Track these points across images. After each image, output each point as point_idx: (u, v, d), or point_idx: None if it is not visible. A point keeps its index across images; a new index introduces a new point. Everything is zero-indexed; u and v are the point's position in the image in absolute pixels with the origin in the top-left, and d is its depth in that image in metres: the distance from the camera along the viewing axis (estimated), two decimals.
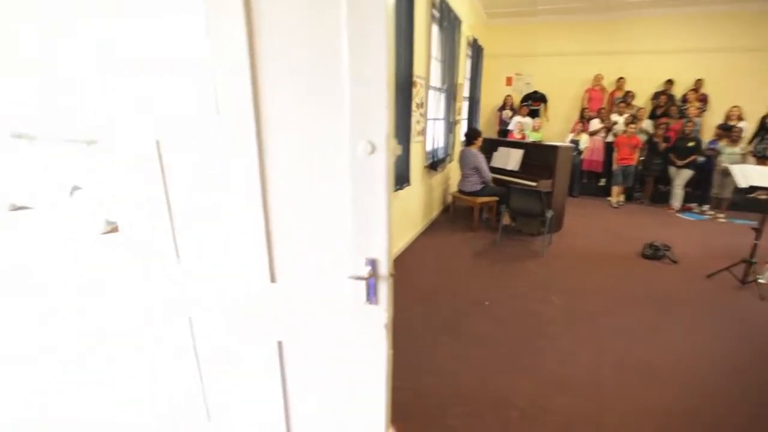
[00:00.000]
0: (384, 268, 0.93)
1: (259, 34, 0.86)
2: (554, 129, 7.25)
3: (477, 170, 4.58)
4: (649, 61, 6.60)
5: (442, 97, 4.99)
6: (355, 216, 0.90)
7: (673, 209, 5.83)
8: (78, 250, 1.53)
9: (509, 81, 7.73)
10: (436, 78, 4.67)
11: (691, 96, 6.22)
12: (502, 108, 7.44)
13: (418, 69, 3.86)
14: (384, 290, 0.95)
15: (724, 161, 5.47)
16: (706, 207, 5.86)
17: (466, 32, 5.81)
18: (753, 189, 3.28)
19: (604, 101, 6.90)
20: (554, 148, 4.56)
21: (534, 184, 4.48)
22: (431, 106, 4.61)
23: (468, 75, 6.55)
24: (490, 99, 7.61)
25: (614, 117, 6.50)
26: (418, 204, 4.55)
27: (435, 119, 4.94)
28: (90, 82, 1.06)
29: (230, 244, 1.07)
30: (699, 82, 6.31)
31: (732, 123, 5.72)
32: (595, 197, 6.64)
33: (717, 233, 4.83)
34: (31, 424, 1.42)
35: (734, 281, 3.32)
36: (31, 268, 1.42)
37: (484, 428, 1.77)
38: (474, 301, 2.96)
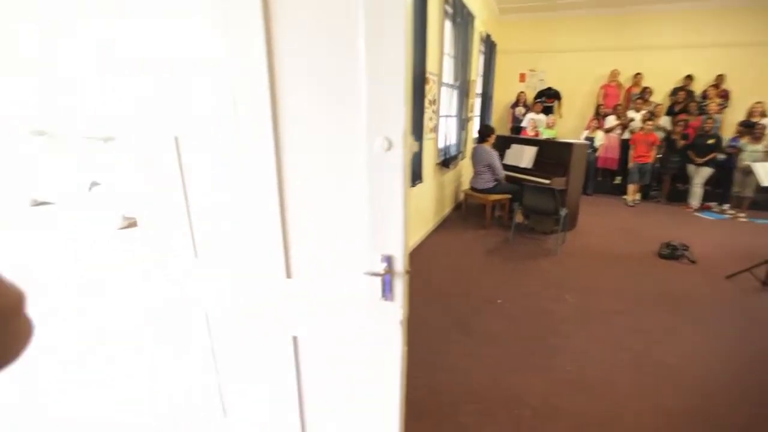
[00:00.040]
0: (400, 265, 0.93)
1: (276, 31, 0.86)
2: (568, 126, 7.14)
3: (490, 167, 4.54)
4: (668, 57, 6.44)
5: (455, 93, 4.96)
6: (372, 212, 0.90)
7: (692, 208, 5.69)
8: (93, 247, 1.57)
9: (522, 77, 7.63)
10: (448, 74, 4.63)
11: (712, 92, 6.05)
12: (515, 105, 7.35)
13: (431, 65, 3.84)
14: (399, 287, 0.95)
15: (745, 159, 5.31)
16: (726, 206, 5.70)
17: (479, 28, 5.75)
18: None
19: (621, 97, 6.76)
20: (569, 145, 4.49)
21: (547, 181, 4.42)
22: (443, 102, 4.58)
23: (481, 71, 6.49)
24: (503, 96, 7.53)
25: (631, 114, 6.37)
26: (430, 201, 4.54)
27: (447, 116, 4.91)
28: (112, 80, 1.08)
29: (246, 240, 1.08)
30: (720, 78, 6.13)
31: (755, 120, 5.55)
32: (610, 195, 6.52)
33: (738, 233, 4.70)
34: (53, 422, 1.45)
35: (755, 283, 3.23)
36: (40, 267, 1.46)
37: (496, 426, 1.76)
38: (486, 298, 2.94)
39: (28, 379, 1.40)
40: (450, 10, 4.24)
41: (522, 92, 7.35)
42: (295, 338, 1.14)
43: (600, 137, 6.40)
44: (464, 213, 5.31)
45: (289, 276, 1.07)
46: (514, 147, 5.19)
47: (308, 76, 0.87)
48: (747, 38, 5.95)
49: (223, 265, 1.15)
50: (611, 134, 6.39)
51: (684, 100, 6.17)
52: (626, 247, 4.13)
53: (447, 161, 4.85)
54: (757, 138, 5.40)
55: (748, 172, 5.01)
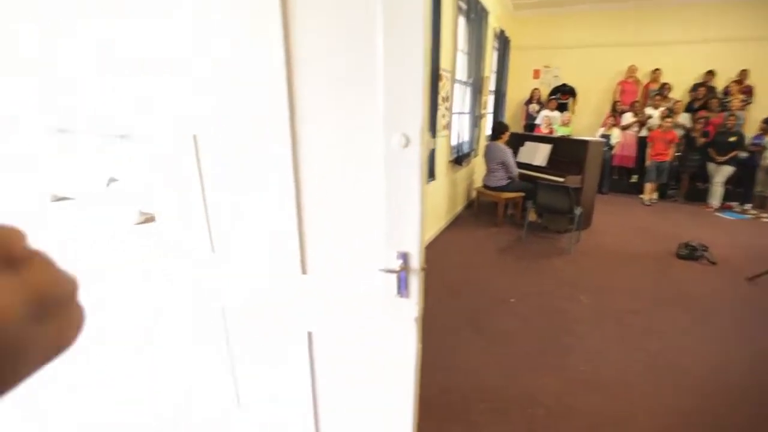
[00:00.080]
0: (416, 262, 0.93)
1: (294, 27, 0.87)
2: (583, 123, 7.01)
3: (504, 165, 4.49)
4: (688, 51, 6.26)
5: (468, 90, 4.91)
6: (388, 209, 0.90)
7: (712, 208, 5.54)
8: (114, 239, 1.60)
9: (537, 74, 7.52)
10: (461, 71, 4.59)
11: (734, 88, 5.87)
12: (529, 102, 7.25)
13: (444, 62, 3.81)
14: (415, 284, 0.95)
15: None
16: (748, 206, 5.53)
17: (493, 24, 5.68)
18: None
19: (638, 94, 6.60)
20: (584, 142, 4.42)
21: (562, 179, 4.36)
22: (456, 99, 4.55)
23: (494, 68, 6.42)
24: (517, 92, 7.43)
25: (649, 110, 6.22)
26: (442, 198, 4.52)
27: (460, 113, 4.87)
28: (134, 79, 1.10)
29: (263, 236, 1.10)
30: (743, 73, 5.94)
31: None
32: (626, 194, 6.39)
33: (760, 234, 4.57)
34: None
35: None
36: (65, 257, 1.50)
37: (508, 425, 1.75)
38: (498, 297, 2.92)
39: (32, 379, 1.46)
40: (464, 6, 4.20)
41: (536, 89, 7.24)
42: (309, 333, 1.15)
43: (616, 135, 6.27)
44: (476, 211, 5.27)
45: (304, 272, 1.07)
46: (528, 144, 5.13)
47: (326, 74, 0.87)
48: None
49: (240, 260, 1.17)
50: (628, 132, 6.25)
51: (704, 96, 6.00)
52: (643, 247, 4.05)
53: (459, 159, 4.82)
54: None
55: None
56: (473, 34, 4.49)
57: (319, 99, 0.90)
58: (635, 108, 6.29)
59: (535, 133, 6.10)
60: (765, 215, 5.26)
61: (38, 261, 0.19)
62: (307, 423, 1.28)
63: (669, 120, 5.70)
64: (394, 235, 0.92)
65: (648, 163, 5.90)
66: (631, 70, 6.60)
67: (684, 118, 6.05)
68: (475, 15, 4.45)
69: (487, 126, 6.09)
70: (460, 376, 2.06)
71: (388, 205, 0.90)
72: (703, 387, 2.01)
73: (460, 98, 4.78)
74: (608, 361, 2.19)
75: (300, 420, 1.29)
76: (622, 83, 6.69)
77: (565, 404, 1.86)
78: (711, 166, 5.54)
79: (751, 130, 5.73)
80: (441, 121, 3.95)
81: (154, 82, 1.07)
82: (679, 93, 6.36)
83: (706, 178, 5.70)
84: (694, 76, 6.29)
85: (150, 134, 1.14)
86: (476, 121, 5.31)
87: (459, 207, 5.31)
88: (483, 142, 5.87)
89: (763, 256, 3.74)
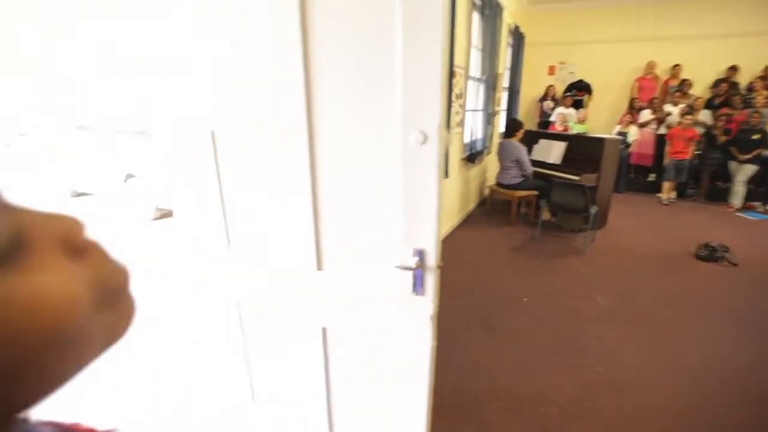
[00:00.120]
0: (432, 259, 0.92)
1: (312, 27, 0.87)
2: (599, 120, 6.88)
3: (518, 163, 4.44)
4: (710, 46, 6.08)
5: (482, 87, 4.86)
6: (405, 206, 0.90)
7: (733, 207, 5.38)
8: (132, 235, 1.63)
9: (552, 70, 7.40)
10: (475, 68, 4.55)
11: (759, 84, 5.68)
12: (543, 99, 7.14)
13: (458, 58, 3.78)
14: (431, 281, 0.95)
15: None
16: None
17: (508, 19, 5.61)
18: None
19: (657, 90, 6.45)
20: (601, 140, 4.33)
21: (577, 178, 4.29)
22: (470, 96, 4.50)
23: (508, 64, 6.33)
24: (531, 89, 7.32)
25: (668, 107, 6.07)
26: (455, 196, 4.49)
27: (474, 110, 4.83)
28: (153, 76, 1.12)
29: (279, 231, 1.10)
30: None
31: None
32: (643, 193, 6.26)
33: None
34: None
35: None
36: None
37: (522, 425, 1.74)
38: (511, 296, 2.89)
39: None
40: (478, 1, 4.15)
41: (551, 86, 7.13)
42: (324, 329, 1.16)
43: (634, 132, 6.13)
44: (489, 209, 5.22)
45: (320, 268, 1.08)
46: (542, 142, 5.06)
47: (345, 72, 0.87)
48: None
49: (255, 255, 1.18)
50: (646, 129, 6.11)
51: (726, 92, 5.83)
52: (660, 247, 3.96)
53: (472, 156, 4.78)
54: None
55: None
56: (487, 30, 4.44)
57: (337, 96, 0.90)
58: (654, 105, 6.15)
59: (550, 131, 6.01)
60: None
61: (96, 251, 0.19)
62: (320, 418, 1.29)
63: (689, 117, 5.55)
64: (410, 232, 0.92)
65: (666, 161, 5.76)
66: (650, 66, 6.44)
67: (705, 115, 5.89)
68: (490, 11, 4.40)
69: (501, 123, 6.02)
70: (472, 376, 2.05)
71: (405, 202, 0.90)
72: (725, 389, 1.96)
73: (474, 95, 4.74)
74: (624, 362, 2.16)
75: (314, 415, 1.30)
76: (639, 80, 6.54)
77: (580, 404, 1.84)
78: (732, 165, 5.39)
79: None
80: (454, 119, 3.93)
81: (176, 81, 1.08)
82: (700, 89, 6.19)
83: (727, 177, 5.54)
84: (716, 71, 6.10)
85: (171, 130, 1.16)
86: (489, 118, 5.26)
87: (471, 205, 5.28)
88: (496, 140, 5.82)
89: None
